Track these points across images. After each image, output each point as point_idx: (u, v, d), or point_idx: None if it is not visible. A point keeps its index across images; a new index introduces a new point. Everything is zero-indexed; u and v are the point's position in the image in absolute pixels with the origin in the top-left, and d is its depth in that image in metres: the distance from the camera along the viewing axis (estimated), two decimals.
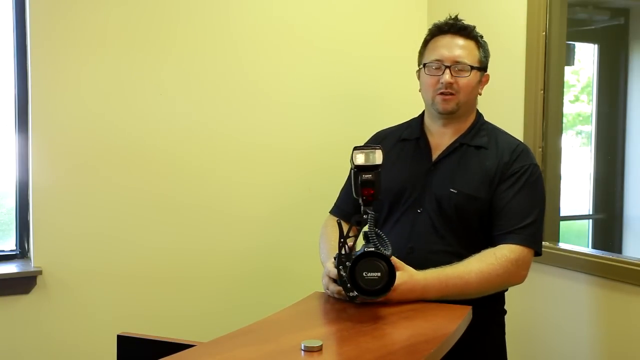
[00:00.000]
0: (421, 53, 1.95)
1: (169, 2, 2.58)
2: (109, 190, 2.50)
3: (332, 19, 2.87)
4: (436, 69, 1.86)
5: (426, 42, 1.94)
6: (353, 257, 1.47)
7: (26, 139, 2.43)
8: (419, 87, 1.95)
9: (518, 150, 1.86)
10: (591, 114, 3.52)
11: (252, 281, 2.75)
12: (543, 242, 2.48)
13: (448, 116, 1.88)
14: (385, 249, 1.49)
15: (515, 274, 1.76)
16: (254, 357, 1.26)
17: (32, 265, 2.42)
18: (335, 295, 1.60)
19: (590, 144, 3.47)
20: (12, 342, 2.39)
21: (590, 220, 3.50)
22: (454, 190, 1.82)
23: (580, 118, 3.63)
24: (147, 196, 2.56)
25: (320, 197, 2.16)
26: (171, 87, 2.59)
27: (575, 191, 3.40)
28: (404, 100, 2.19)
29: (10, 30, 2.45)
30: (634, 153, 3.29)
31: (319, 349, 1.24)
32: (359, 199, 1.51)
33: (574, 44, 3.23)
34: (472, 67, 1.85)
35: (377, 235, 1.50)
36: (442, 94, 1.85)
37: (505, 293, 1.93)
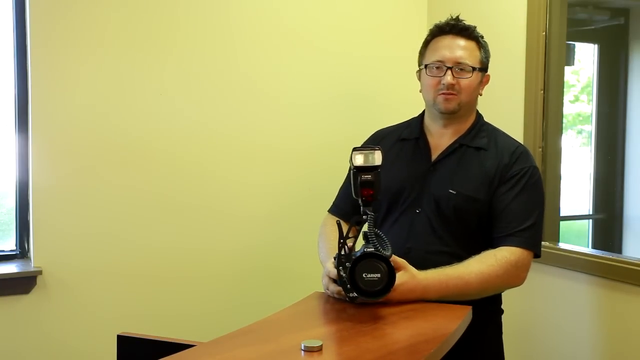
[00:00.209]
0: (422, 54, 1.95)
1: (168, 2, 2.58)
2: (109, 191, 2.50)
3: (332, 19, 2.87)
4: (437, 69, 1.86)
5: (427, 43, 1.94)
6: (353, 257, 1.47)
7: (26, 139, 2.43)
8: (419, 88, 1.95)
9: (518, 152, 1.86)
10: (591, 114, 3.52)
11: (252, 281, 2.76)
12: (543, 242, 2.49)
13: (449, 116, 1.88)
14: (385, 250, 1.49)
15: (515, 276, 1.77)
16: (254, 357, 1.26)
17: (32, 265, 2.42)
18: (335, 296, 1.60)
19: (590, 144, 3.47)
20: (12, 342, 2.39)
21: (590, 220, 3.50)
22: (453, 191, 1.82)
23: (580, 118, 3.63)
24: (148, 196, 2.56)
25: (321, 196, 2.16)
26: (171, 87, 2.59)
27: (575, 191, 3.40)
28: (404, 100, 2.19)
29: (10, 30, 2.45)
30: (634, 153, 3.29)
31: (319, 349, 1.24)
32: (359, 200, 1.51)
33: (574, 44, 3.23)
34: (474, 68, 1.85)
35: (377, 235, 1.50)
36: (443, 94, 1.84)
37: (504, 293, 1.93)
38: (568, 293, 2.45)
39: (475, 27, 1.91)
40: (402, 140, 1.96)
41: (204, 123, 2.65)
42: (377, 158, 1.50)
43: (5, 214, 2.55)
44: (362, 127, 2.13)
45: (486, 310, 1.79)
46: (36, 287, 2.42)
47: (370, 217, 1.49)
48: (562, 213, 2.74)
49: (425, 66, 1.89)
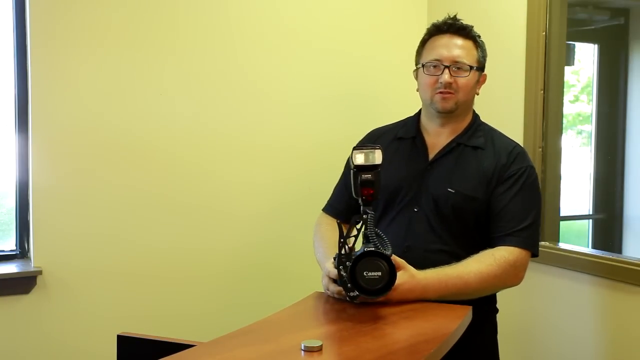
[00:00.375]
0: (419, 53, 1.95)
1: (168, 2, 2.58)
2: (108, 190, 2.50)
3: (332, 19, 2.87)
4: (435, 68, 1.86)
5: (424, 42, 1.94)
6: (353, 256, 1.47)
7: (26, 139, 2.43)
8: (416, 87, 1.95)
9: (515, 152, 1.87)
10: (591, 114, 3.52)
11: (252, 281, 2.76)
12: (543, 242, 2.51)
13: (446, 115, 1.88)
14: (385, 249, 1.49)
15: (513, 276, 1.77)
16: (254, 357, 1.26)
17: (32, 265, 2.42)
18: (336, 296, 1.60)
19: (590, 144, 3.47)
20: (12, 342, 2.39)
21: (590, 220, 3.50)
22: (452, 190, 1.82)
23: (580, 118, 3.63)
24: (148, 196, 2.57)
25: (321, 195, 2.16)
26: (171, 87, 2.59)
27: (575, 191, 3.40)
28: (404, 100, 2.19)
29: (10, 30, 2.45)
30: (634, 153, 3.29)
31: (319, 349, 1.24)
32: (359, 199, 1.51)
33: (574, 44, 3.23)
34: (471, 67, 1.85)
35: (377, 235, 1.50)
36: (440, 92, 1.85)
37: (504, 293, 1.93)
38: (568, 293, 2.45)
39: (472, 26, 1.91)
40: (398, 139, 1.96)
41: (204, 123, 2.65)
42: (377, 157, 1.50)
43: (5, 214, 2.55)
44: (362, 127, 2.13)
45: (482, 310, 1.79)
46: (36, 287, 2.42)
47: (370, 216, 1.49)
48: (562, 213, 2.74)
49: (423, 65, 1.89)
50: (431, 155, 1.90)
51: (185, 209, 2.63)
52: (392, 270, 1.44)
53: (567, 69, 2.88)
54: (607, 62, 3.46)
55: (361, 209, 1.51)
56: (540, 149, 2.53)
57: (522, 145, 2.54)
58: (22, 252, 2.50)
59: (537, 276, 2.51)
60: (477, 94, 1.94)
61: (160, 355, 1.22)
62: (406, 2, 3.02)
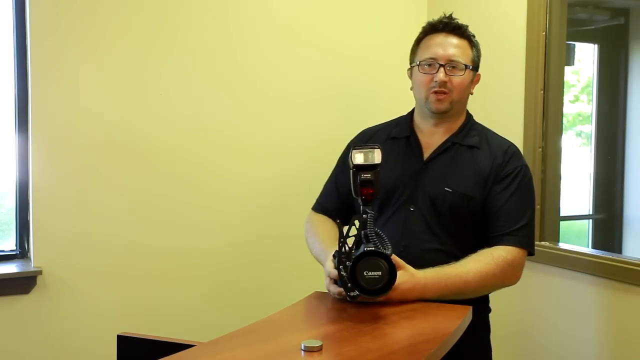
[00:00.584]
0: (414, 51, 1.95)
1: (168, 2, 2.58)
2: (108, 190, 2.50)
3: (333, 19, 2.87)
4: (430, 67, 1.86)
5: (419, 40, 1.94)
6: (353, 256, 1.47)
7: (26, 139, 2.43)
8: (410, 86, 1.95)
9: (510, 151, 1.88)
10: (591, 114, 3.52)
11: (252, 281, 2.76)
12: (543, 242, 2.51)
13: (440, 115, 1.88)
14: (385, 248, 1.49)
15: (512, 275, 1.78)
16: (254, 357, 1.26)
17: (32, 265, 2.42)
18: (337, 297, 1.60)
19: (590, 144, 3.47)
20: (12, 342, 2.39)
21: (590, 220, 3.50)
22: (449, 190, 1.82)
23: (580, 118, 3.63)
24: (148, 196, 2.57)
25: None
26: (170, 87, 2.59)
27: (575, 191, 3.40)
28: (404, 100, 2.19)
29: (10, 30, 2.45)
30: (634, 153, 3.29)
31: (319, 349, 1.24)
32: (358, 199, 1.51)
33: (574, 44, 3.23)
34: (466, 66, 1.86)
35: (377, 234, 1.50)
36: (435, 92, 1.85)
37: (504, 293, 1.93)
38: (568, 293, 2.45)
39: (467, 26, 1.91)
40: (392, 139, 1.96)
41: (204, 122, 2.65)
42: (376, 156, 1.51)
43: (5, 214, 2.55)
44: (362, 126, 2.13)
45: (477, 309, 1.80)
46: (36, 287, 2.42)
47: (370, 216, 1.49)
48: (562, 213, 2.75)
49: (418, 63, 1.89)
50: (426, 155, 1.90)
51: (185, 208, 2.63)
52: (393, 270, 1.44)
53: (567, 69, 2.88)
54: (607, 62, 3.46)
55: (361, 208, 1.51)
56: (540, 149, 2.53)
57: (522, 145, 2.56)
58: (22, 252, 2.50)
59: (537, 276, 2.51)
60: (472, 94, 1.94)
61: (160, 355, 1.22)
62: (406, 2, 3.02)
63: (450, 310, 1.56)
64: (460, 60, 1.85)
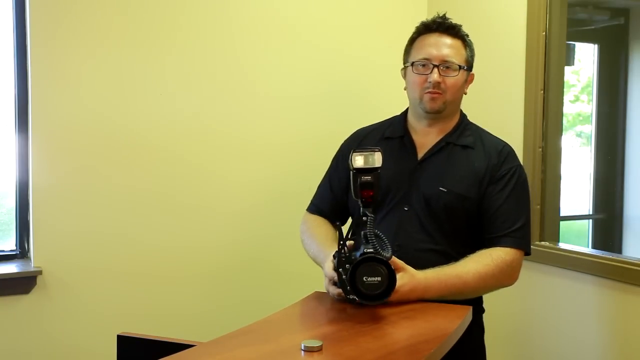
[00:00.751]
0: (407, 51, 1.95)
1: (168, 1, 2.58)
2: (108, 190, 2.50)
3: (333, 20, 2.87)
4: (424, 67, 1.85)
5: (413, 40, 1.93)
6: (353, 258, 1.47)
7: (26, 139, 2.43)
8: (404, 86, 1.95)
9: (505, 151, 1.88)
10: (591, 114, 3.52)
11: (252, 281, 2.76)
12: (543, 242, 2.51)
13: (434, 115, 1.88)
14: (385, 251, 1.49)
15: (510, 276, 1.79)
16: (254, 357, 1.26)
17: (32, 265, 2.42)
18: (336, 298, 1.60)
19: (590, 144, 3.47)
20: (12, 342, 2.39)
21: (590, 220, 3.50)
22: (444, 189, 1.82)
23: (580, 118, 3.63)
24: (148, 195, 2.57)
25: None
26: (170, 87, 2.59)
27: (575, 191, 3.40)
28: (404, 100, 2.19)
29: (10, 30, 2.45)
30: (634, 153, 3.29)
31: (319, 349, 1.24)
32: (358, 201, 1.51)
33: (574, 44, 3.23)
34: (460, 67, 1.85)
35: (377, 236, 1.50)
36: (429, 92, 1.84)
37: (504, 294, 1.93)
38: (568, 293, 2.45)
39: (461, 25, 1.91)
40: (386, 139, 1.95)
41: (204, 122, 2.65)
42: (377, 160, 1.51)
43: (5, 214, 2.55)
44: (362, 125, 2.13)
45: (472, 310, 1.80)
46: (36, 287, 2.42)
47: (370, 218, 1.49)
48: (562, 213, 2.75)
49: (412, 64, 1.89)
50: (420, 155, 1.89)
51: (186, 207, 2.63)
52: (392, 275, 1.44)
53: (567, 69, 2.88)
54: (607, 62, 3.46)
55: (361, 210, 1.51)
56: (540, 149, 2.53)
57: (522, 145, 2.56)
58: (22, 252, 2.50)
59: (537, 276, 2.51)
60: (465, 94, 1.94)
61: (160, 355, 1.22)
62: (406, 2, 3.02)
63: (450, 310, 1.56)
64: (454, 60, 1.85)
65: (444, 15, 1.92)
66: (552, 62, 2.52)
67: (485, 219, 1.82)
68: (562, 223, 2.80)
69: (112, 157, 2.51)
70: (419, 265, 1.67)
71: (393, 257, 1.54)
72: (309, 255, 1.92)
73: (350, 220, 2.00)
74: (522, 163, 2.51)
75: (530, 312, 2.60)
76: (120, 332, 1.59)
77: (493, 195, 1.82)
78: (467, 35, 1.91)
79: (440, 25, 1.88)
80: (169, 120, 2.59)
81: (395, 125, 1.98)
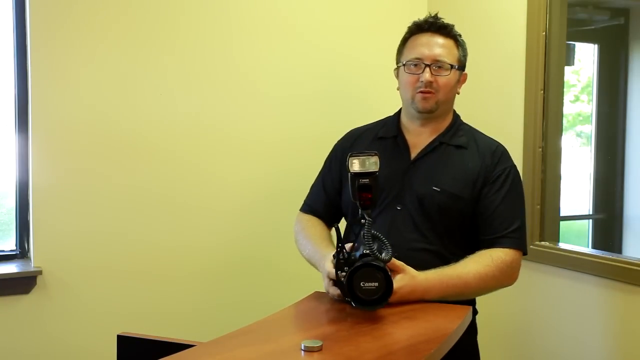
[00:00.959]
0: (400, 51, 1.95)
1: (168, 1, 2.58)
2: (108, 190, 2.50)
3: (333, 19, 2.87)
4: (415, 67, 1.86)
5: (405, 40, 1.94)
6: (352, 259, 1.47)
7: (26, 139, 2.43)
8: (397, 86, 1.95)
9: (499, 152, 1.88)
10: (591, 114, 3.52)
11: (252, 281, 2.76)
12: (543, 242, 2.52)
13: (427, 115, 1.88)
14: (385, 253, 1.49)
15: (510, 276, 1.80)
16: (254, 357, 1.26)
17: (32, 265, 2.42)
18: (336, 298, 1.60)
19: (590, 144, 3.47)
20: (12, 342, 2.39)
21: (590, 220, 3.49)
22: (437, 189, 1.82)
23: (580, 118, 3.63)
24: (148, 195, 2.57)
25: None
26: (170, 86, 2.59)
27: (575, 191, 3.39)
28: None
29: (10, 30, 2.45)
30: (634, 153, 3.29)
31: (319, 349, 1.24)
32: (357, 203, 1.51)
33: (574, 44, 3.23)
34: (452, 66, 1.85)
35: (377, 238, 1.50)
36: (421, 92, 1.84)
37: (504, 294, 1.93)
38: (568, 293, 2.45)
39: (453, 25, 1.91)
40: (379, 139, 1.95)
41: (204, 121, 2.65)
42: (374, 163, 1.51)
43: (5, 214, 2.55)
44: (359, 124, 2.13)
45: None
46: (36, 287, 2.42)
47: (368, 221, 1.49)
48: (562, 213, 2.74)
49: (404, 64, 1.89)
50: (413, 155, 1.89)
51: (186, 207, 2.63)
52: (389, 281, 1.44)
53: (567, 69, 2.87)
54: (607, 62, 3.46)
55: (359, 212, 1.51)
56: (540, 149, 2.53)
57: (522, 146, 2.56)
58: (22, 252, 2.50)
59: (537, 276, 2.51)
60: (458, 93, 1.94)
61: (160, 355, 1.22)
62: (405, 2, 3.02)
63: (450, 310, 1.56)
64: (446, 60, 1.85)
65: (436, 14, 1.92)
66: (552, 62, 2.52)
67: (481, 221, 1.82)
68: (562, 223, 2.80)
69: (112, 157, 2.51)
70: (412, 264, 1.67)
71: (393, 258, 1.55)
72: (304, 256, 1.92)
73: (343, 220, 2.01)
74: (522, 163, 2.53)
75: (530, 312, 2.60)
76: (120, 332, 1.59)
77: (489, 196, 1.82)
78: (460, 35, 1.91)
79: (432, 25, 1.88)
80: (168, 120, 2.59)
81: (388, 125, 1.99)
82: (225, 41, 2.69)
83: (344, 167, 1.95)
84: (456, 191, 1.82)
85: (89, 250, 2.48)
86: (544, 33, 2.51)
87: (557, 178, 2.60)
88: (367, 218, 1.49)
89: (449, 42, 1.88)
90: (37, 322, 2.43)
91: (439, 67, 1.84)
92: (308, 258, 1.89)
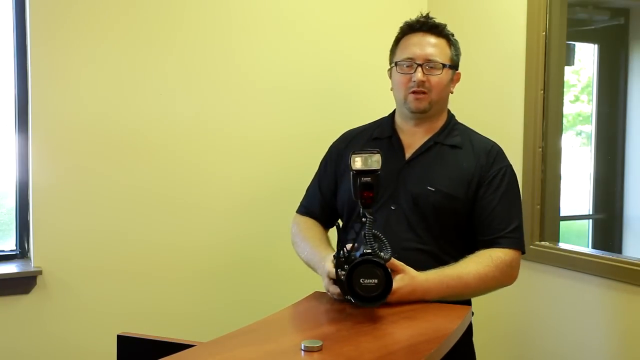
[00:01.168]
0: (392, 52, 1.96)
1: (167, 1, 2.58)
2: (108, 190, 2.50)
3: (333, 19, 2.87)
4: (408, 67, 1.86)
5: (397, 41, 1.94)
6: (352, 258, 1.47)
7: (26, 139, 2.43)
8: (390, 86, 1.95)
9: (494, 151, 1.88)
10: (591, 114, 3.52)
11: (252, 281, 2.76)
12: (543, 242, 2.52)
13: (420, 115, 1.88)
14: (384, 252, 1.49)
15: (510, 276, 1.80)
16: (254, 357, 1.26)
17: (32, 265, 2.42)
18: (336, 297, 1.60)
19: (590, 144, 3.47)
20: (12, 342, 2.39)
21: (590, 220, 3.49)
22: (432, 189, 1.82)
23: (580, 118, 3.63)
24: (148, 195, 2.57)
25: None
26: (170, 86, 2.59)
27: (575, 191, 3.39)
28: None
29: (10, 30, 2.45)
30: (634, 153, 3.29)
31: (319, 349, 1.24)
32: (358, 202, 1.51)
33: (574, 44, 3.23)
34: (444, 65, 1.85)
35: (377, 237, 1.50)
36: (414, 92, 1.85)
37: (504, 294, 1.93)
38: (568, 293, 2.45)
39: (445, 24, 1.91)
40: (374, 140, 1.95)
41: (204, 121, 2.66)
42: (376, 161, 1.51)
43: (5, 214, 2.55)
44: (359, 124, 2.13)
45: None
46: (36, 287, 2.42)
47: (369, 219, 1.49)
48: (562, 213, 2.74)
49: (396, 64, 1.89)
50: (408, 155, 1.89)
51: (186, 207, 2.63)
52: (388, 278, 1.44)
53: (567, 69, 2.87)
54: (607, 62, 3.46)
55: (360, 211, 1.51)
56: (540, 149, 2.53)
57: (522, 145, 2.56)
58: (22, 252, 2.50)
59: (537, 276, 2.51)
60: (452, 93, 1.94)
61: (160, 355, 1.22)
62: (405, 2, 3.01)
63: (451, 310, 1.56)
64: (438, 59, 1.85)
65: (427, 14, 1.93)
66: (552, 62, 2.52)
67: (479, 222, 1.82)
68: (562, 223, 2.80)
69: (112, 157, 2.51)
70: (406, 264, 1.67)
71: (393, 258, 1.55)
72: (301, 258, 1.93)
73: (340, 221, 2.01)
74: (522, 163, 2.53)
75: (530, 312, 2.60)
76: (120, 332, 1.59)
77: (486, 197, 1.82)
78: (452, 35, 1.92)
79: (424, 25, 1.89)
80: (168, 120, 2.59)
81: (383, 126, 1.99)
82: (224, 41, 2.69)
83: (339, 168, 1.96)
84: (451, 191, 1.82)
85: (89, 250, 2.48)
86: (544, 33, 2.51)
87: (557, 178, 2.59)
88: (368, 216, 1.49)
89: (441, 42, 1.88)
90: (37, 322, 2.43)
91: (431, 66, 1.84)
92: (306, 260, 1.89)
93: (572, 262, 2.40)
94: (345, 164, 1.93)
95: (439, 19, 1.95)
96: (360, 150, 1.54)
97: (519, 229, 1.82)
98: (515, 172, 1.91)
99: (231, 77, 2.70)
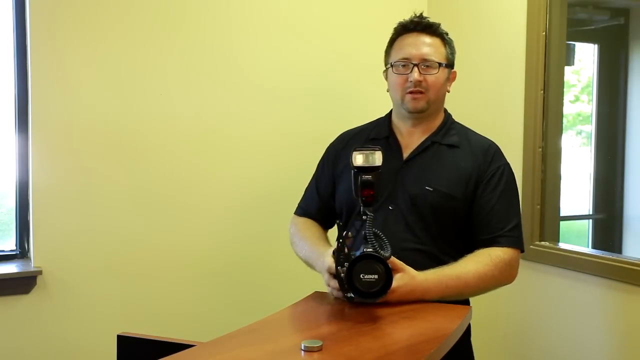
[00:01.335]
0: (387, 53, 1.96)
1: (167, 1, 2.58)
2: (108, 190, 2.50)
3: (333, 20, 2.87)
4: (404, 67, 1.86)
5: (392, 42, 1.95)
6: (352, 256, 1.47)
7: (26, 139, 2.44)
8: (386, 87, 1.95)
9: (491, 150, 1.88)
10: (591, 114, 3.52)
11: (252, 281, 2.76)
12: (543, 242, 2.52)
13: (418, 115, 1.88)
14: (384, 251, 1.49)
15: (509, 275, 1.80)
16: (254, 357, 1.26)
17: (32, 265, 2.42)
18: (335, 292, 1.60)
19: (590, 144, 3.47)
20: (13, 342, 2.39)
21: (590, 220, 3.50)
22: (430, 189, 1.82)
23: (580, 118, 3.63)
24: (148, 195, 2.57)
25: None
26: (170, 86, 2.59)
27: (575, 191, 3.39)
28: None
29: (10, 30, 2.45)
30: (634, 153, 3.29)
31: (319, 349, 1.24)
32: (359, 200, 1.51)
33: (574, 44, 3.23)
34: (440, 64, 1.85)
35: (377, 236, 1.50)
36: (411, 92, 1.85)
37: (503, 294, 1.93)
38: (568, 293, 2.45)
39: (439, 24, 1.91)
40: (371, 140, 1.95)
41: (205, 121, 2.66)
42: (377, 158, 1.51)
43: (5, 214, 2.55)
44: (359, 124, 2.13)
45: None
46: (36, 287, 2.42)
47: (369, 217, 1.49)
48: (562, 213, 2.74)
49: (392, 65, 1.90)
50: (405, 155, 1.89)
51: (186, 207, 2.63)
52: (389, 274, 1.45)
53: (567, 69, 2.87)
54: (607, 62, 3.46)
55: (361, 209, 1.51)
56: (540, 149, 2.53)
57: (522, 145, 2.56)
58: (22, 252, 2.50)
59: (537, 276, 2.51)
60: (448, 91, 1.94)
61: (160, 355, 1.22)
62: (405, 2, 3.01)
63: (450, 310, 1.56)
64: (434, 58, 1.85)
65: (421, 14, 1.93)
66: (552, 62, 2.52)
67: (478, 221, 1.82)
68: (562, 223, 2.80)
69: (112, 157, 2.51)
70: (405, 264, 1.67)
71: (392, 257, 1.55)
72: (300, 257, 1.93)
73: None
74: (522, 163, 2.53)
75: (530, 312, 2.60)
76: (120, 332, 1.59)
77: (484, 196, 1.82)
78: (447, 33, 1.92)
79: (418, 25, 1.89)
80: (168, 119, 2.59)
81: (380, 126, 1.99)
82: (224, 41, 2.69)
83: (337, 169, 1.96)
84: (449, 190, 1.82)
85: (89, 250, 2.48)
86: (544, 33, 2.51)
87: (557, 178, 2.59)
88: (368, 214, 1.49)
89: (436, 41, 1.88)
90: (37, 322, 2.43)
91: (427, 66, 1.85)
92: (305, 258, 1.89)
93: (572, 262, 2.40)
94: (343, 165, 1.93)
95: (439, 19, 1.95)
96: (361, 147, 1.54)
97: (518, 227, 1.82)
98: (515, 172, 1.91)
99: (231, 78, 2.70)
